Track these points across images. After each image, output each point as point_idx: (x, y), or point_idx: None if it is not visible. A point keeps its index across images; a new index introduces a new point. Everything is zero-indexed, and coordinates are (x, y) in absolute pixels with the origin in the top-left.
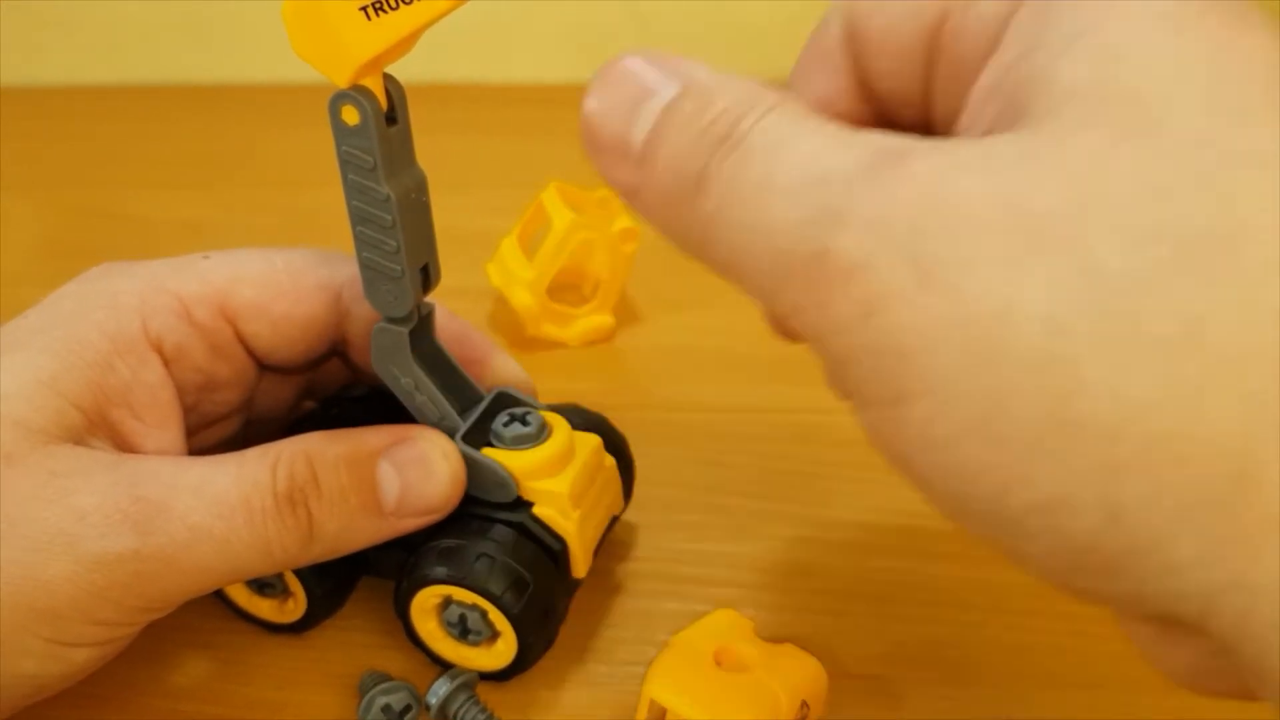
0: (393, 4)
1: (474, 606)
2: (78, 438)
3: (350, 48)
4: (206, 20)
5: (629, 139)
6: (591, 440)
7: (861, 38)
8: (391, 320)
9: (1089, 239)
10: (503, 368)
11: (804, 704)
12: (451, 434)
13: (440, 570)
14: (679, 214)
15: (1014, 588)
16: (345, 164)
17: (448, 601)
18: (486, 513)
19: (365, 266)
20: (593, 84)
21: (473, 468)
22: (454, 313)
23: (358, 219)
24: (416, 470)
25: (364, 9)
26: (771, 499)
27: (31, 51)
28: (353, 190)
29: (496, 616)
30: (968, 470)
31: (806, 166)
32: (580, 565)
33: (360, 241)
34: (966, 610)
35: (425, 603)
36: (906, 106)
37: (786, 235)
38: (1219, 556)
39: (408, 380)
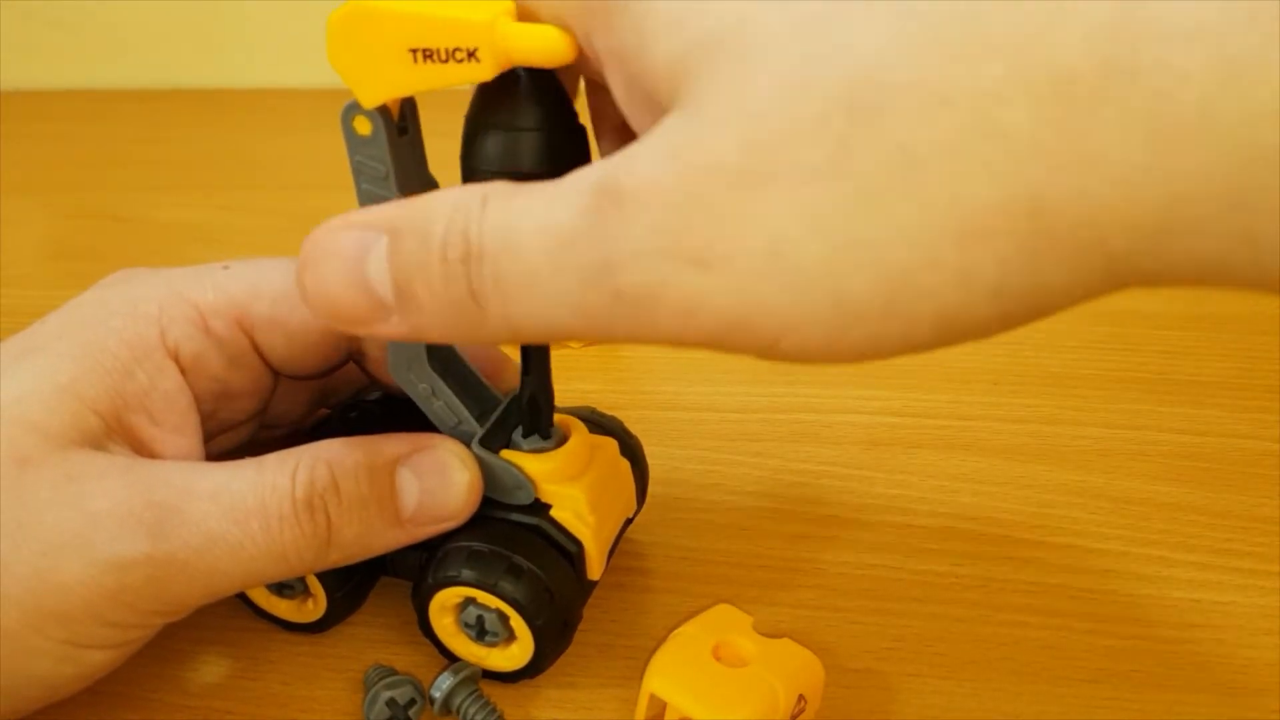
0: (442, 57)
1: (495, 610)
2: (96, 442)
3: (388, 80)
4: (210, 24)
5: (377, 298)
6: (608, 444)
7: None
8: None
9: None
10: (515, 378)
11: (801, 698)
12: (469, 438)
13: (468, 574)
14: (473, 330)
15: (1007, 584)
16: (358, 173)
17: (468, 602)
18: (505, 515)
19: None
20: (300, 273)
21: (491, 470)
22: None
23: None
24: (435, 478)
25: (414, 51)
26: (769, 497)
27: (34, 55)
28: (366, 198)
29: (518, 623)
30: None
31: (550, 241)
32: (596, 567)
33: None
34: (960, 606)
35: (446, 601)
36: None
37: (579, 301)
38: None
39: (425, 386)
